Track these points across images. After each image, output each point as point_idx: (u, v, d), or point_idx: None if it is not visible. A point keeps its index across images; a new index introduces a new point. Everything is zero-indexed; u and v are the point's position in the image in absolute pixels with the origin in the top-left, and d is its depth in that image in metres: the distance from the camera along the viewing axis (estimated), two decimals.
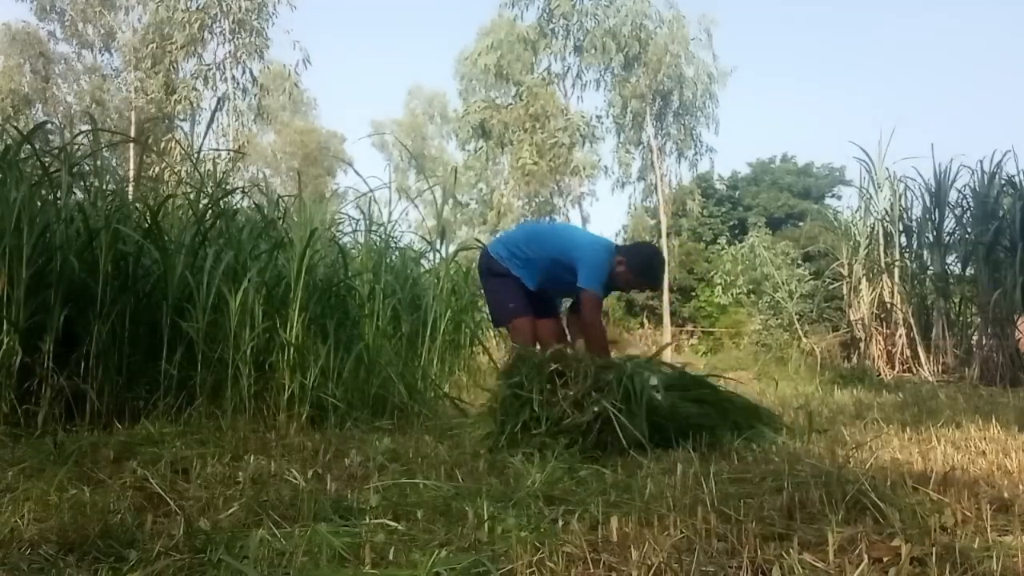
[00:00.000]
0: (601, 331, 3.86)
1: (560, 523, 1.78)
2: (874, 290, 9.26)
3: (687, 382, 3.31)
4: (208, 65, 21.03)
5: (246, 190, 6.04)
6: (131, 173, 10.17)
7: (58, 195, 3.72)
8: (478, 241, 5.94)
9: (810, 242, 19.70)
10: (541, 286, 3.99)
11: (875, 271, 9.35)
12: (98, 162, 4.21)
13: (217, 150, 14.33)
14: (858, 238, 9.65)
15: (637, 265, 3.85)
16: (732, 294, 22.68)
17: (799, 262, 19.77)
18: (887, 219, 9.41)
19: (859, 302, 9.32)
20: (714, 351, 17.91)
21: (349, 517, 1.85)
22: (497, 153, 23.93)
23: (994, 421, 3.57)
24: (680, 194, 24.83)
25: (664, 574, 1.43)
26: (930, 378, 7.99)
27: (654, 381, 3.04)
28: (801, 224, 27.16)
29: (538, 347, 3.88)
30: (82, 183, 4.14)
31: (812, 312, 11.28)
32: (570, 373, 3.02)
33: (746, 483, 2.21)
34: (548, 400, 2.96)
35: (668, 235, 23.38)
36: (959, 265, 8.97)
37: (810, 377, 7.95)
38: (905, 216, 9.44)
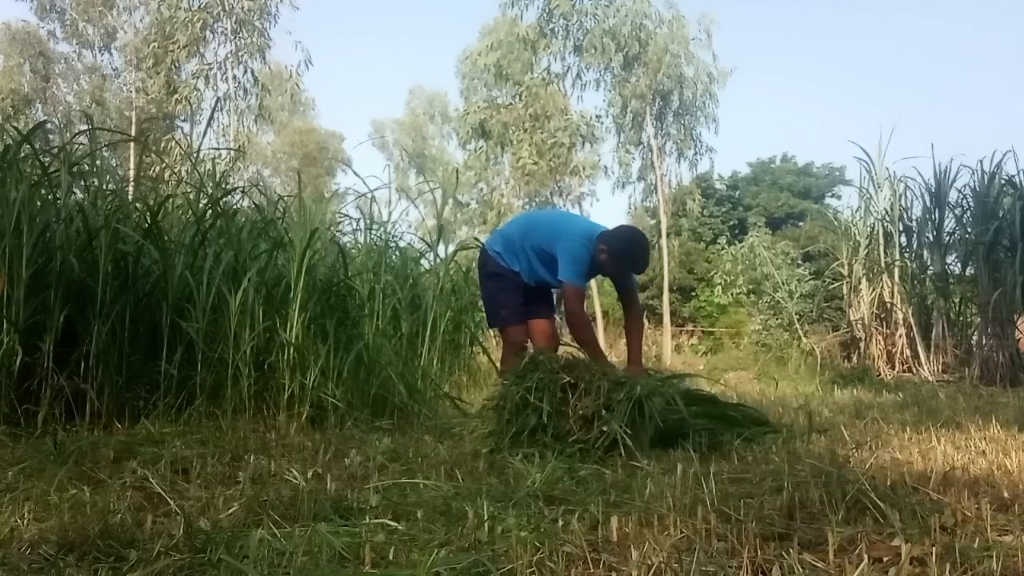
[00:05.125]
0: (582, 320, 3.93)
1: (560, 523, 1.78)
2: (874, 290, 9.26)
3: (694, 398, 3.34)
4: (209, 64, 21.02)
5: (246, 190, 6.05)
6: (131, 173, 10.16)
7: (58, 195, 3.72)
8: (477, 240, 5.93)
9: (810, 242, 19.70)
10: (534, 277, 4.00)
11: (875, 271, 9.35)
12: (98, 162, 4.21)
13: (217, 149, 14.33)
14: (858, 238, 9.64)
15: (617, 252, 3.82)
16: (732, 294, 22.67)
17: (799, 262, 19.75)
18: (887, 219, 9.40)
19: (859, 302, 9.32)
20: (714, 351, 17.90)
21: (349, 517, 1.85)
22: (497, 153, 23.91)
23: (994, 421, 3.57)
24: (680, 194, 24.79)
25: (664, 574, 1.43)
26: (930, 378, 7.99)
27: (677, 398, 3.07)
28: (801, 224, 27.14)
29: (530, 348, 3.93)
30: (82, 183, 4.14)
31: (812, 312, 11.26)
32: (582, 386, 3.02)
33: (746, 483, 2.21)
34: (558, 410, 2.96)
35: (668, 235, 23.34)
36: (959, 265, 8.97)
37: (810, 377, 7.96)
38: (905, 216, 9.44)
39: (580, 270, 3.82)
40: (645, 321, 23.52)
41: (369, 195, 5.44)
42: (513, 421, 2.99)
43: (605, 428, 2.86)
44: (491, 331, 6.03)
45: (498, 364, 4.46)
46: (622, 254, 3.82)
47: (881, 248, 9.36)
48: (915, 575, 1.43)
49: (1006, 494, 2.00)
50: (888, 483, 2.09)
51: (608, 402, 2.94)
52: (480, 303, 5.46)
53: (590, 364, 3.28)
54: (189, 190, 4.76)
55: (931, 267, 9.06)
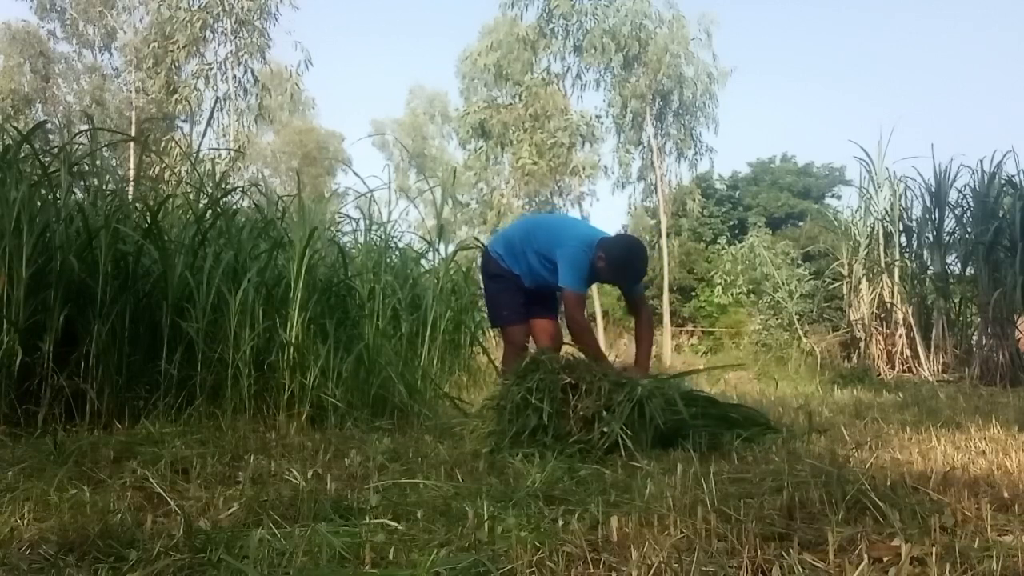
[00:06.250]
0: (582, 325, 3.93)
1: (560, 523, 1.78)
2: (874, 290, 9.26)
3: (694, 399, 3.33)
4: (209, 64, 21.01)
5: (246, 190, 6.05)
6: (131, 173, 10.17)
7: (58, 195, 3.72)
8: (477, 240, 5.93)
9: (810, 242, 19.70)
10: (535, 280, 4.01)
11: (875, 271, 9.35)
12: (98, 162, 4.21)
13: (217, 149, 14.33)
14: (858, 238, 9.65)
15: (615, 260, 3.82)
16: (732, 294, 22.67)
17: (799, 262, 19.74)
18: (887, 219, 9.40)
19: (859, 302, 9.32)
20: (714, 351, 17.90)
21: (349, 517, 1.85)
22: (497, 153, 23.91)
23: (994, 421, 3.57)
24: (680, 194, 24.77)
25: (664, 574, 1.43)
26: (930, 378, 7.99)
27: (677, 399, 3.06)
28: (801, 224, 27.14)
29: (532, 348, 3.93)
30: (82, 183, 4.14)
31: (812, 312, 11.25)
32: (583, 387, 3.01)
33: (746, 483, 2.21)
34: (558, 411, 2.96)
35: (668, 235, 23.34)
36: (959, 265, 8.97)
37: (810, 377, 7.95)
38: (905, 216, 9.44)
39: (580, 276, 3.83)
40: None
41: (369, 195, 5.45)
42: (514, 421, 2.99)
43: (606, 429, 2.86)
44: (491, 331, 6.04)
45: (498, 364, 4.47)
46: (620, 262, 3.83)
47: (881, 248, 9.36)
48: (915, 575, 1.43)
49: (1006, 494, 2.00)
50: (888, 483, 2.09)
51: (609, 403, 2.94)
52: (480, 303, 5.47)
53: (591, 365, 3.28)
54: (189, 190, 4.76)
55: (931, 267, 9.06)
